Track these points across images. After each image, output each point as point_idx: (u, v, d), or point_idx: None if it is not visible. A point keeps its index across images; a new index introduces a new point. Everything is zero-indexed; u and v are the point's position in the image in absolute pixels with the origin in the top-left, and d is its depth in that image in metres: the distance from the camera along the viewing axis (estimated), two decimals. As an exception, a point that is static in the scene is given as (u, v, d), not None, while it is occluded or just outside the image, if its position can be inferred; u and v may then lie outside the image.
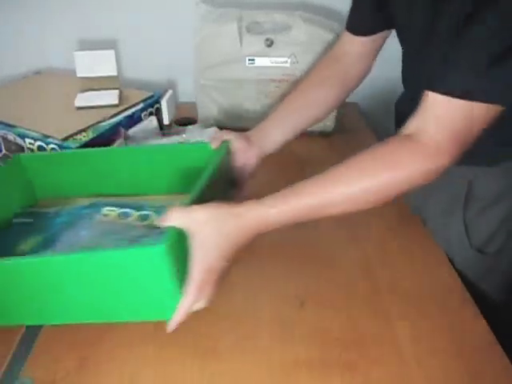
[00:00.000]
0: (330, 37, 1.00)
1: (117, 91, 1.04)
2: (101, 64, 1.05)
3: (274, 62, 1.01)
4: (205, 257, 0.55)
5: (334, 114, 1.07)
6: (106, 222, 0.70)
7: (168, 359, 0.59)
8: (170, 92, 1.08)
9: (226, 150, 0.69)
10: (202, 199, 0.57)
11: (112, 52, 1.04)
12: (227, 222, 0.56)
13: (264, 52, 1.00)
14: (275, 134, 0.75)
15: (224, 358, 0.59)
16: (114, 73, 1.06)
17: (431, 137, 0.56)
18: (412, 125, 0.58)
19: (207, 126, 1.06)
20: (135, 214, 0.70)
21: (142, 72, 1.24)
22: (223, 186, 0.70)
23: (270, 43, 0.99)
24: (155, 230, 0.62)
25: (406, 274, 0.72)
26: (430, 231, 0.81)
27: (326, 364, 0.58)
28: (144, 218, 0.69)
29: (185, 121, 1.11)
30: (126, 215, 0.70)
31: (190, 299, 0.54)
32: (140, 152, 0.78)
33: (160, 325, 0.63)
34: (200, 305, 0.57)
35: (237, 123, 1.08)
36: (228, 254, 0.57)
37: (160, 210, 0.68)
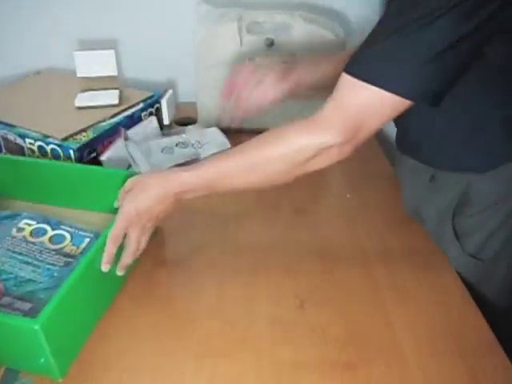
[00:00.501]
0: (330, 37, 1.00)
1: (117, 91, 1.04)
2: (101, 64, 1.05)
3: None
4: (131, 202, 0.64)
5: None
6: (18, 239, 0.72)
7: (167, 360, 0.59)
8: (169, 92, 1.07)
9: None
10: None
11: (112, 52, 1.04)
12: (153, 182, 0.66)
13: (264, 52, 1.00)
14: (316, 73, 0.79)
15: (223, 359, 0.59)
16: (114, 73, 1.06)
17: (323, 114, 0.58)
18: (323, 104, 0.60)
19: (207, 126, 1.06)
20: (49, 233, 0.74)
21: (141, 72, 1.24)
22: None
23: (270, 43, 0.99)
24: (61, 258, 0.69)
25: (406, 274, 0.72)
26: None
27: (326, 364, 0.58)
28: (56, 240, 0.72)
29: (185, 121, 1.11)
30: (41, 232, 0.74)
31: (114, 233, 0.63)
32: (79, 169, 0.83)
33: (160, 325, 0.64)
34: (127, 249, 0.65)
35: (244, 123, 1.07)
36: (151, 207, 0.64)
37: (75, 233, 0.74)
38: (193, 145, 0.99)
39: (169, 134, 1.01)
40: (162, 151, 0.94)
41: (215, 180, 0.64)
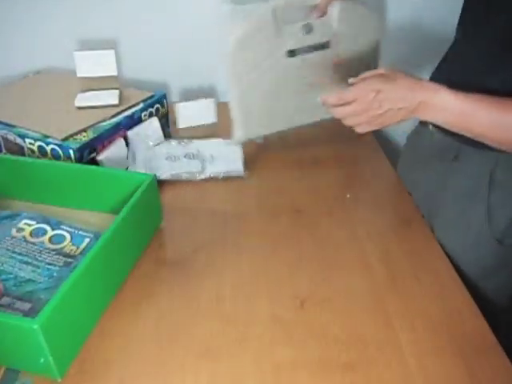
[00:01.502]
0: (364, 10, 0.93)
1: (117, 91, 1.04)
2: (101, 64, 1.05)
3: (316, 48, 0.92)
4: (379, 83, 0.65)
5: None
6: (17, 239, 0.72)
7: (167, 360, 0.59)
8: (211, 100, 1.06)
9: (146, 186, 0.73)
10: (126, 220, 0.67)
11: (112, 52, 1.04)
12: (410, 80, 0.66)
13: (304, 40, 0.91)
14: None
15: (223, 359, 0.59)
16: (114, 73, 1.06)
17: None
18: None
19: (240, 142, 0.97)
20: (49, 233, 0.73)
21: (141, 72, 1.24)
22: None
23: (308, 29, 0.91)
24: (61, 258, 0.69)
25: (406, 274, 0.72)
26: (441, 222, 0.80)
27: (326, 364, 0.58)
28: (56, 240, 0.72)
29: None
30: (41, 233, 0.73)
31: (343, 95, 0.68)
32: (79, 169, 0.82)
33: (160, 324, 0.64)
34: (335, 107, 0.70)
35: (282, 124, 0.97)
36: (390, 100, 0.65)
37: (75, 233, 0.74)
38: (204, 158, 0.96)
39: (182, 141, 1.00)
40: (165, 158, 0.94)
41: (468, 119, 0.62)
